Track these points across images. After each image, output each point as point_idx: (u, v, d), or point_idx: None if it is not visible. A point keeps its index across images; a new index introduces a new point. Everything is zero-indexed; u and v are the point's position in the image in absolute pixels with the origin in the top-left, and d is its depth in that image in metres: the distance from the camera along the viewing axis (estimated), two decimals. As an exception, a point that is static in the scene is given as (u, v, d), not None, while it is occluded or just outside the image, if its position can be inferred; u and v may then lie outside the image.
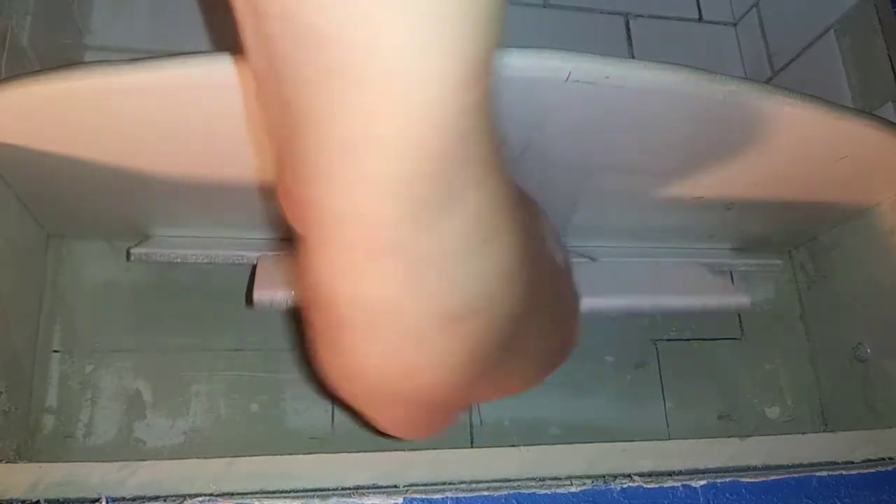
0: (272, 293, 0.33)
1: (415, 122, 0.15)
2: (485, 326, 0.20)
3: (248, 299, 0.34)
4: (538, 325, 0.23)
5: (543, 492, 0.26)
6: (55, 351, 0.36)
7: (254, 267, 0.35)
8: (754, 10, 0.50)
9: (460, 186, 0.17)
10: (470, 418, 0.39)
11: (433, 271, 0.18)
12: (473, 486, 0.26)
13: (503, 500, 0.25)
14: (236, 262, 0.36)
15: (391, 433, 0.23)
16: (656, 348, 0.43)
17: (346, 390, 0.21)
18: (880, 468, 0.29)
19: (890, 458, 0.29)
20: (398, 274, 0.18)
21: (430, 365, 0.20)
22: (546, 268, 0.25)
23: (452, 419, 0.24)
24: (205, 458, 0.25)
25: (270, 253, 0.36)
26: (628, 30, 0.49)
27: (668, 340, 0.43)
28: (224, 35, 0.42)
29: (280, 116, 0.18)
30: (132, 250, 0.35)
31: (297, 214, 0.19)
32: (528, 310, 0.21)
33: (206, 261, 0.36)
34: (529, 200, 0.27)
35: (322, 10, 0.14)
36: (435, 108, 0.15)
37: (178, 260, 0.36)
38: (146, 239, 0.36)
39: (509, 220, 0.19)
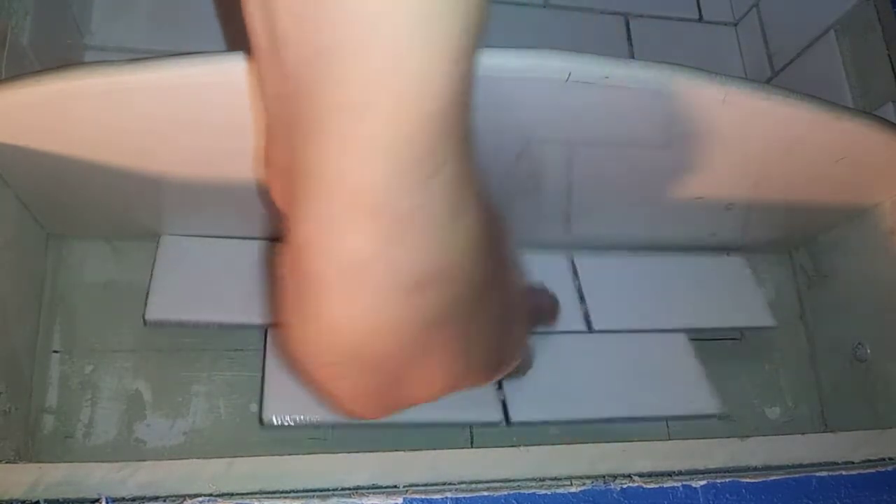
0: (285, 412, 0.34)
1: (406, 90, 0.17)
2: (446, 297, 0.21)
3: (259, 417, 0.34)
4: (490, 317, 0.24)
5: (543, 492, 0.26)
6: (55, 351, 0.36)
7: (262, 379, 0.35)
8: (754, 10, 0.50)
9: (441, 157, 0.18)
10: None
11: (408, 234, 0.19)
12: (473, 486, 0.26)
13: (503, 500, 0.25)
14: (249, 323, 0.36)
15: (346, 408, 0.24)
16: (656, 348, 0.43)
17: (311, 359, 0.22)
18: (880, 468, 0.29)
19: (890, 458, 0.29)
20: (376, 233, 0.19)
21: (392, 327, 0.21)
22: (504, 264, 0.25)
23: (405, 401, 0.25)
24: (205, 458, 0.25)
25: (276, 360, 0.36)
26: (628, 30, 0.49)
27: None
28: (225, 34, 0.42)
29: (279, 87, 0.19)
30: (147, 318, 0.35)
31: (283, 185, 0.20)
32: (485, 295, 0.23)
33: (217, 322, 0.36)
34: (493, 202, 0.27)
35: None
36: (425, 78, 0.17)
37: (192, 325, 0.36)
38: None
39: (476, 200, 0.21)
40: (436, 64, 0.17)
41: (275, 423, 0.34)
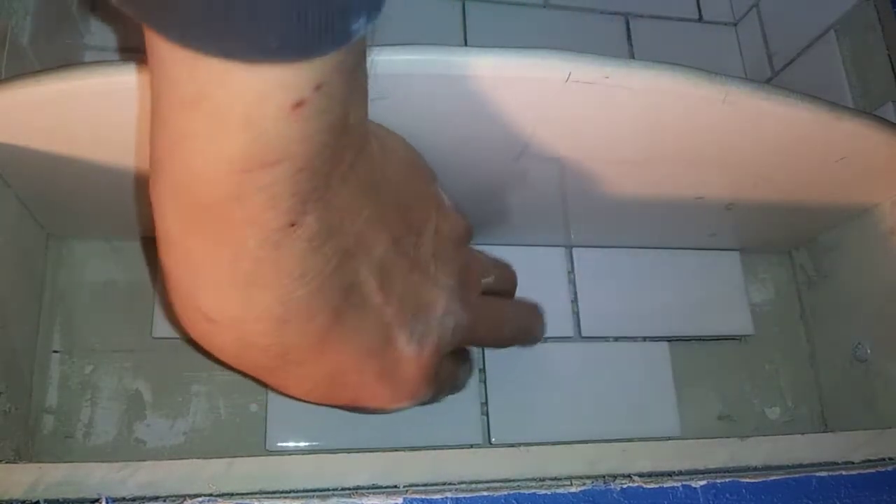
0: (290, 439, 0.36)
1: (198, 180, 0.20)
2: (241, 336, 0.24)
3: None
4: (314, 372, 0.26)
5: (543, 492, 0.26)
6: (55, 351, 0.36)
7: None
8: (754, 10, 0.50)
9: (239, 237, 0.21)
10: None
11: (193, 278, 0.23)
12: (473, 486, 0.26)
13: (503, 500, 0.25)
14: None
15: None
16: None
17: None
18: (880, 468, 0.29)
19: (890, 459, 0.29)
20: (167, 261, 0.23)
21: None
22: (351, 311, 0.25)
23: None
24: (205, 458, 0.25)
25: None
26: (628, 30, 0.49)
27: (672, 340, 0.43)
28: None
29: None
30: (154, 335, 0.37)
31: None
32: (300, 357, 0.25)
33: None
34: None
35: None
36: (212, 179, 0.20)
37: None
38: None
39: (295, 273, 0.22)
40: (220, 173, 0.20)
41: (280, 449, 0.36)
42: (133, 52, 0.41)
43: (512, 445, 0.31)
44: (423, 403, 0.31)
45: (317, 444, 0.36)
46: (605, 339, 0.42)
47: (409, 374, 0.28)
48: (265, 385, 0.30)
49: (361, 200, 0.24)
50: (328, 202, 0.22)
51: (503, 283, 0.36)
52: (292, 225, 0.21)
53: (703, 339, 0.44)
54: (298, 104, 0.18)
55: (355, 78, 0.21)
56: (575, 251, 0.43)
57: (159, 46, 0.18)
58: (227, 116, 0.18)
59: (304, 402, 0.29)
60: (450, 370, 0.32)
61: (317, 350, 0.25)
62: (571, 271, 0.42)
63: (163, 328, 0.36)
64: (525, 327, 0.36)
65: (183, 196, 0.21)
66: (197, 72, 0.18)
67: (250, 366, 0.26)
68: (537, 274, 0.41)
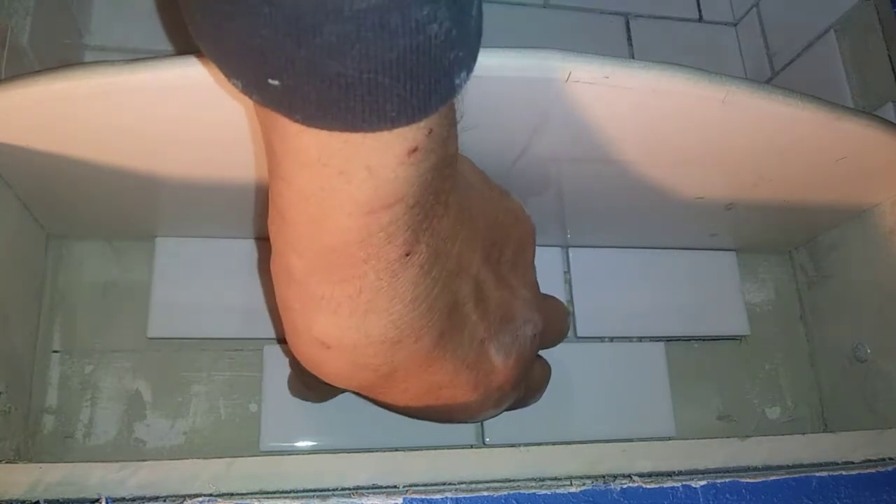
0: (284, 440, 0.36)
1: (326, 228, 0.21)
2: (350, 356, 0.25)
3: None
4: (412, 387, 0.27)
5: (543, 492, 0.26)
6: (55, 351, 0.36)
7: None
8: (754, 10, 0.50)
9: (360, 273, 0.22)
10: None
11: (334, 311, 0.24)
12: (473, 486, 0.26)
13: (503, 500, 0.25)
14: (250, 337, 0.38)
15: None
16: (656, 348, 0.43)
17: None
18: (880, 468, 0.29)
19: (890, 458, 0.29)
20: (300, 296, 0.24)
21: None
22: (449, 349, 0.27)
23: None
24: (205, 458, 0.25)
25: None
26: (628, 30, 0.49)
27: (669, 340, 0.43)
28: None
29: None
30: (149, 335, 0.36)
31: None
32: (406, 388, 0.27)
33: (218, 337, 0.38)
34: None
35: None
36: (339, 223, 0.21)
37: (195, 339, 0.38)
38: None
39: (408, 298, 0.23)
40: (352, 214, 0.21)
41: (273, 450, 0.36)
42: (133, 52, 0.41)
43: (510, 445, 0.31)
44: (509, 409, 0.32)
45: (312, 444, 0.36)
46: (600, 339, 0.42)
47: (497, 384, 0.29)
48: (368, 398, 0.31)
49: (458, 224, 0.25)
50: (434, 229, 0.23)
51: None
52: (407, 255, 0.22)
53: (699, 340, 0.44)
54: (413, 151, 0.20)
55: (454, 115, 0.22)
56: (571, 251, 0.43)
57: (279, 119, 0.19)
58: (352, 171, 0.20)
59: (398, 412, 0.31)
60: (535, 376, 0.34)
61: (421, 367, 0.26)
62: (567, 271, 0.42)
63: (157, 329, 0.36)
64: (568, 322, 0.37)
65: (311, 242, 0.22)
66: (320, 140, 0.19)
67: (357, 384, 0.27)
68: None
